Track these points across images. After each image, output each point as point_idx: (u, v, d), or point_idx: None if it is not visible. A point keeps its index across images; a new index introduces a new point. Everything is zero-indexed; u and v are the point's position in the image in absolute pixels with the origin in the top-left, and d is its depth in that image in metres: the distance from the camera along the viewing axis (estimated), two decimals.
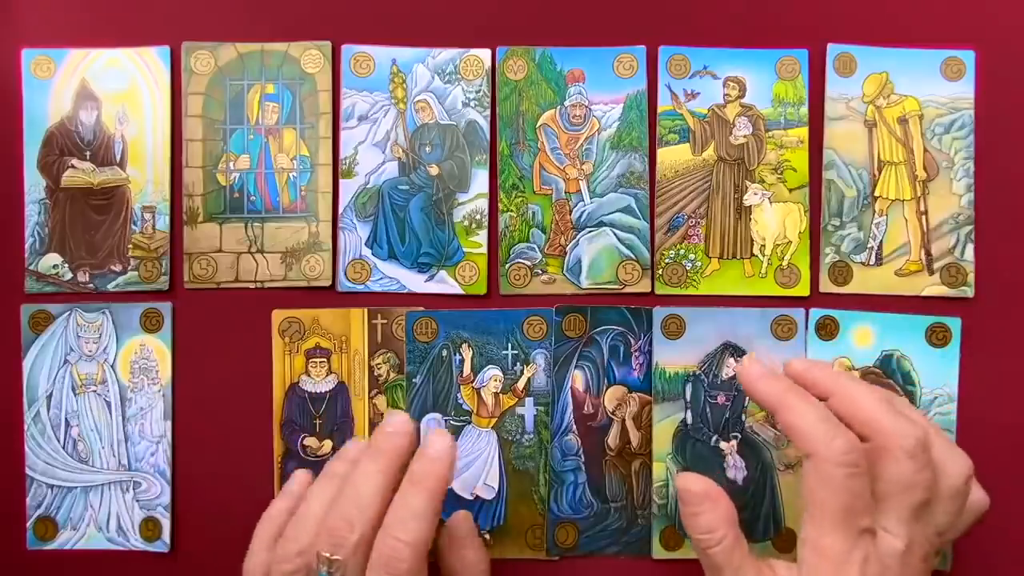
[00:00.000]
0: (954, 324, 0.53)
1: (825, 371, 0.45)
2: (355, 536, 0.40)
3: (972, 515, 0.45)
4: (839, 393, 0.44)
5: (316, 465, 0.54)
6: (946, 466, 0.43)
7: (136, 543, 0.54)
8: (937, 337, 0.53)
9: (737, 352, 0.53)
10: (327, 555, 0.40)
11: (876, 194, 0.54)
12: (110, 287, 0.54)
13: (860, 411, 0.43)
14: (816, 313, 0.53)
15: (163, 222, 0.54)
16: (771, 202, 0.54)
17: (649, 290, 0.54)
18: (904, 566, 0.41)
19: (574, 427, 0.53)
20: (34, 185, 0.54)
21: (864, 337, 0.53)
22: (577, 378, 0.54)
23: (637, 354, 0.54)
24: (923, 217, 0.53)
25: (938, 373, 0.53)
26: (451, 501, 0.53)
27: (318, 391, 0.54)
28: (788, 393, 0.44)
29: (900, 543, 0.41)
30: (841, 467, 0.41)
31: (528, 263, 0.54)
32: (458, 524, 0.47)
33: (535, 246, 0.54)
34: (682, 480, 0.45)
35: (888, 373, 0.53)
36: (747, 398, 0.53)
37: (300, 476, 0.49)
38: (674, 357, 0.53)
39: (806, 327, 0.53)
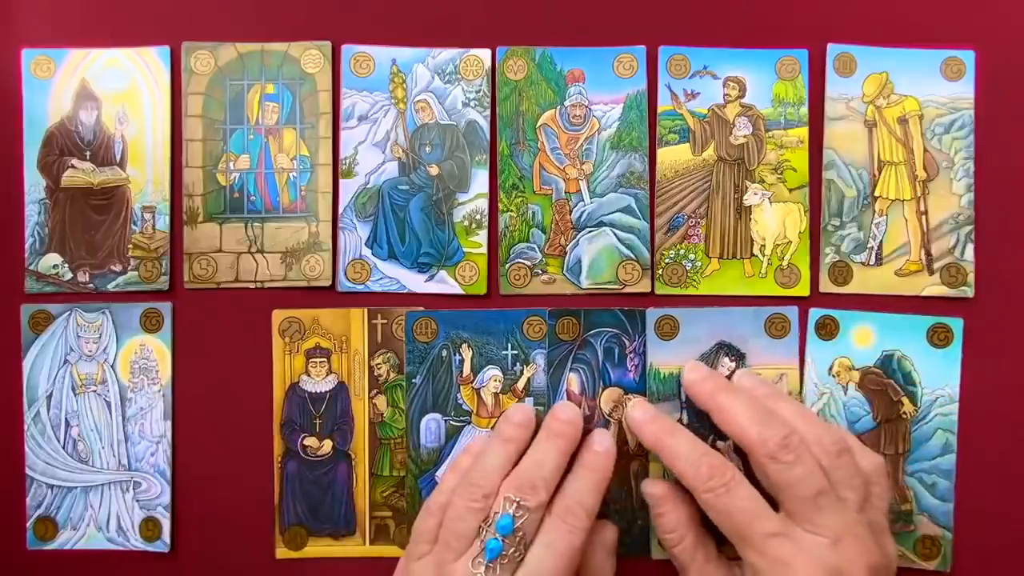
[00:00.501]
0: (956, 324, 0.53)
1: (705, 386, 0.49)
2: (540, 496, 0.46)
3: (876, 482, 0.46)
4: (715, 410, 0.48)
5: (316, 465, 0.54)
6: (822, 444, 0.45)
7: (136, 543, 0.54)
8: (938, 337, 0.53)
9: (732, 351, 0.53)
10: (516, 499, 0.45)
11: (876, 194, 0.54)
12: (110, 287, 0.54)
13: (731, 427, 0.47)
14: (816, 313, 0.53)
15: (163, 222, 0.54)
16: (771, 202, 0.54)
17: (649, 290, 0.54)
18: (845, 552, 0.43)
19: None
20: (34, 185, 0.54)
21: (865, 337, 0.53)
22: (572, 381, 0.54)
23: (632, 356, 0.54)
24: (923, 217, 0.53)
25: (939, 373, 0.53)
26: None
27: (318, 391, 0.54)
28: (662, 435, 0.48)
29: (824, 537, 0.43)
30: (708, 493, 0.45)
31: (528, 263, 0.54)
32: (606, 532, 0.50)
33: (535, 246, 0.54)
34: (646, 484, 0.50)
35: (889, 373, 0.53)
36: None
37: (465, 459, 0.50)
38: (668, 358, 0.53)
39: (803, 326, 0.53)
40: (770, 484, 0.45)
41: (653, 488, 0.49)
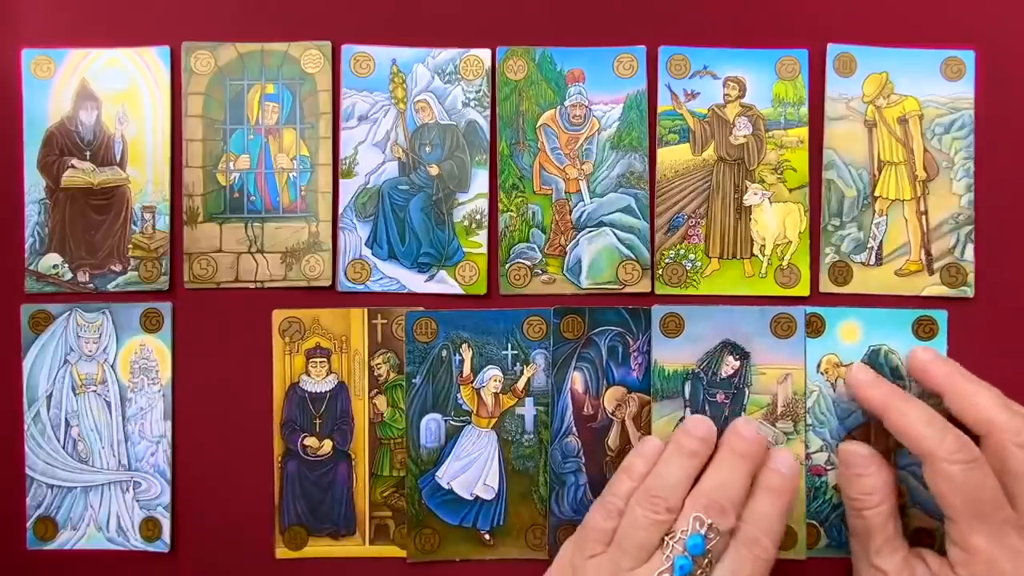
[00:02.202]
0: (940, 317, 0.53)
1: (941, 369, 0.49)
2: (730, 521, 0.45)
3: None
4: (951, 391, 0.47)
5: (316, 465, 0.54)
6: None
7: (136, 543, 0.54)
8: (924, 330, 0.53)
9: (736, 350, 0.53)
10: (708, 521, 0.45)
11: (876, 194, 0.54)
12: (110, 287, 0.54)
13: (973, 408, 0.46)
14: (804, 311, 0.53)
15: (163, 222, 0.54)
16: (771, 202, 0.54)
17: (649, 290, 0.54)
18: None
19: (574, 428, 0.53)
20: (34, 185, 0.54)
21: (851, 333, 0.53)
22: (576, 379, 0.54)
23: (636, 354, 0.54)
24: (923, 217, 0.54)
25: None
26: (450, 501, 0.54)
27: (318, 391, 0.54)
28: (892, 397, 0.48)
29: None
30: (955, 464, 0.44)
31: (528, 263, 0.54)
32: (852, 453, 0.49)
33: (535, 246, 0.54)
34: (848, 445, 0.49)
35: (876, 368, 0.53)
36: (747, 396, 0.53)
37: (640, 463, 0.49)
38: (673, 355, 0.53)
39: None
40: (1010, 473, 0.44)
41: (858, 448, 0.49)
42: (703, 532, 0.45)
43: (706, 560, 0.45)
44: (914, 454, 0.46)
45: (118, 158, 0.55)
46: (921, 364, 0.50)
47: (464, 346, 0.54)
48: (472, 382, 0.54)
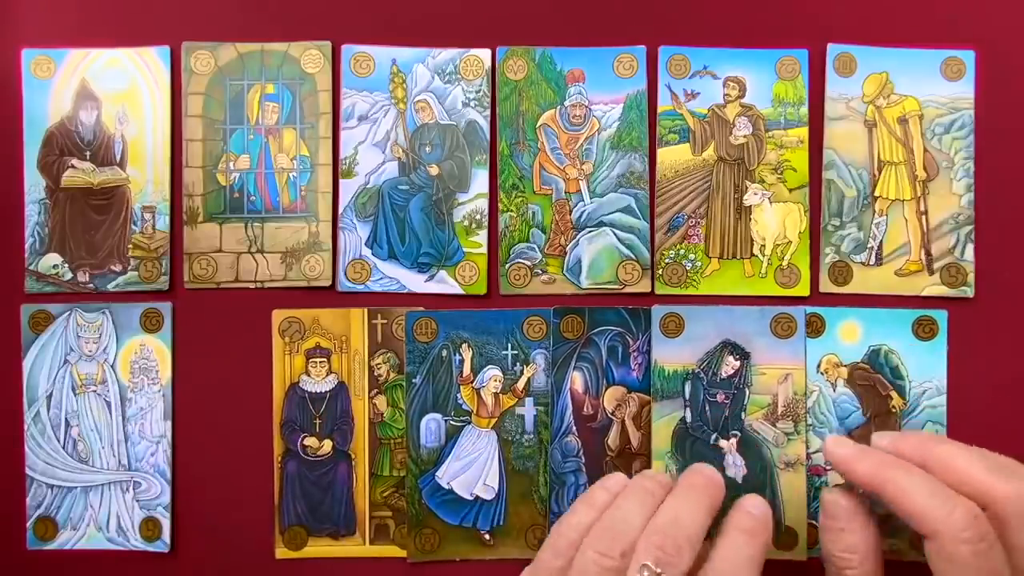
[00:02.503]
0: (940, 317, 0.53)
1: (911, 440, 0.43)
2: (684, 563, 0.40)
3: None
4: (931, 460, 0.42)
5: (316, 465, 0.54)
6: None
7: (136, 543, 0.54)
8: (924, 330, 0.53)
9: (736, 350, 0.53)
10: (657, 571, 0.40)
11: (876, 194, 0.54)
12: (110, 287, 0.54)
13: (962, 477, 0.40)
14: (804, 311, 0.53)
15: (163, 222, 0.54)
16: (771, 202, 0.54)
17: (649, 290, 0.54)
18: None
19: (574, 428, 0.53)
20: (34, 185, 0.54)
21: (851, 333, 0.53)
22: (576, 379, 0.54)
23: (635, 354, 0.54)
24: (923, 217, 0.54)
25: (926, 366, 0.53)
26: (450, 501, 0.54)
27: (318, 391, 0.54)
28: (884, 468, 0.41)
29: None
30: (966, 544, 0.38)
31: (528, 263, 0.54)
32: (835, 504, 0.44)
33: (535, 246, 0.54)
34: (832, 494, 0.44)
35: (876, 368, 0.53)
36: (747, 396, 0.53)
37: (600, 494, 0.46)
38: (673, 355, 0.53)
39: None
40: (1015, 548, 0.39)
41: (842, 499, 0.43)
42: None
43: None
44: (918, 531, 0.40)
45: (118, 158, 0.55)
46: (887, 446, 0.44)
47: (464, 346, 0.54)
48: (472, 382, 0.54)
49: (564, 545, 0.43)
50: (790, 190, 0.54)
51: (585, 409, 0.53)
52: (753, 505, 0.44)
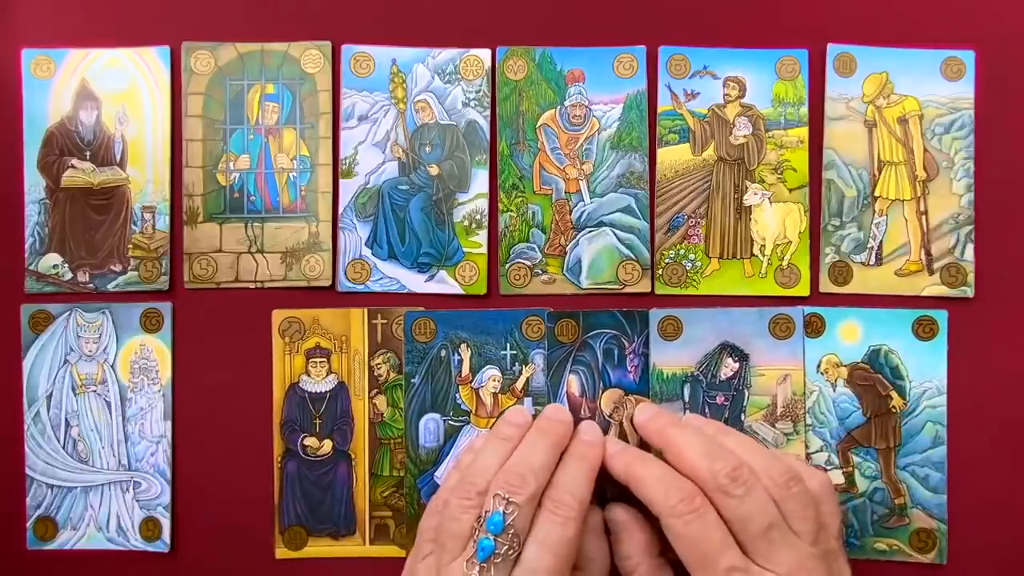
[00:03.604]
0: (940, 317, 0.53)
1: (656, 424, 0.49)
2: (530, 489, 0.44)
3: (825, 502, 0.46)
4: (666, 446, 0.47)
5: (316, 465, 0.54)
6: (771, 476, 0.45)
7: (136, 543, 0.54)
8: (924, 330, 0.53)
9: (735, 352, 0.53)
10: (505, 496, 0.44)
11: (876, 194, 0.54)
12: (110, 287, 0.54)
13: (682, 461, 0.45)
14: (804, 311, 0.53)
15: (163, 222, 0.54)
16: (771, 202, 0.54)
17: (649, 290, 0.54)
18: None
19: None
20: (34, 185, 0.54)
21: (851, 333, 0.53)
22: (572, 383, 0.54)
23: (631, 356, 0.54)
24: (923, 217, 0.53)
25: (926, 366, 0.53)
26: None
27: (318, 391, 0.54)
28: (633, 463, 0.47)
29: (777, 574, 0.42)
30: (675, 517, 0.43)
31: (528, 263, 0.54)
32: (592, 516, 0.48)
33: (535, 246, 0.54)
34: (610, 511, 0.48)
35: (876, 368, 0.53)
36: (746, 397, 0.53)
37: (467, 456, 0.50)
38: (671, 358, 0.53)
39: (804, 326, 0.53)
40: (726, 519, 0.44)
41: (615, 514, 0.48)
42: (502, 509, 0.43)
43: (510, 535, 0.43)
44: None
45: (118, 158, 0.55)
46: (638, 424, 0.50)
47: (463, 346, 0.54)
48: (471, 382, 0.54)
49: (439, 504, 0.47)
50: (790, 190, 0.54)
51: (582, 412, 0.53)
52: (586, 431, 0.49)
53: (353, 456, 0.54)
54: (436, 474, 0.54)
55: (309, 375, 0.54)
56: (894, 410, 0.53)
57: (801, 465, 0.47)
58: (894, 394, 0.53)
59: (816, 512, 0.45)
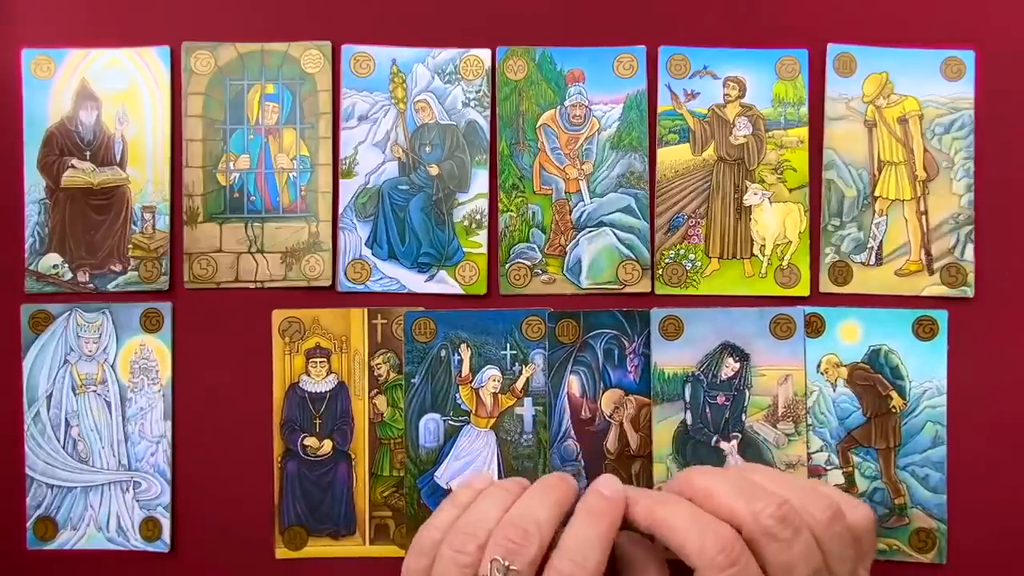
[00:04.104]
0: (940, 317, 0.53)
1: (679, 478, 0.44)
2: (533, 549, 0.40)
3: (865, 537, 0.42)
4: (692, 492, 0.42)
5: (316, 465, 0.54)
6: (812, 513, 0.40)
7: (136, 543, 0.54)
8: (924, 330, 0.53)
9: (736, 352, 0.53)
10: (505, 563, 0.39)
11: (876, 194, 0.54)
12: (110, 287, 0.54)
13: (714, 502, 0.41)
14: (803, 311, 0.53)
15: (163, 222, 0.54)
16: (771, 202, 0.54)
17: (649, 290, 0.54)
18: None
19: (572, 432, 0.53)
20: (34, 185, 0.54)
21: (851, 333, 0.53)
22: (573, 383, 0.54)
23: (632, 356, 0.54)
24: (923, 217, 0.53)
25: (926, 366, 0.53)
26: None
27: (318, 391, 0.54)
28: (656, 506, 0.41)
29: None
30: (716, 571, 0.38)
31: (528, 263, 0.54)
32: (635, 550, 0.44)
33: (535, 246, 0.54)
34: (620, 546, 0.43)
35: (876, 368, 0.53)
36: (747, 397, 0.53)
37: (465, 493, 0.46)
38: (672, 358, 0.53)
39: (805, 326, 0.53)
40: (770, 564, 0.39)
41: (626, 547, 0.43)
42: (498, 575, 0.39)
43: None
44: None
45: (118, 158, 0.55)
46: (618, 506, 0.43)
47: (463, 346, 0.54)
48: (471, 382, 0.54)
49: (428, 544, 0.43)
50: (790, 190, 0.54)
51: (583, 413, 0.53)
52: (605, 485, 0.43)
53: (353, 456, 0.54)
54: (436, 474, 0.54)
55: (309, 375, 0.54)
56: (894, 410, 0.53)
57: (842, 496, 0.43)
58: (894, 394, 0.53)
59: (856, 551, 0.41)
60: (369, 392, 0.54)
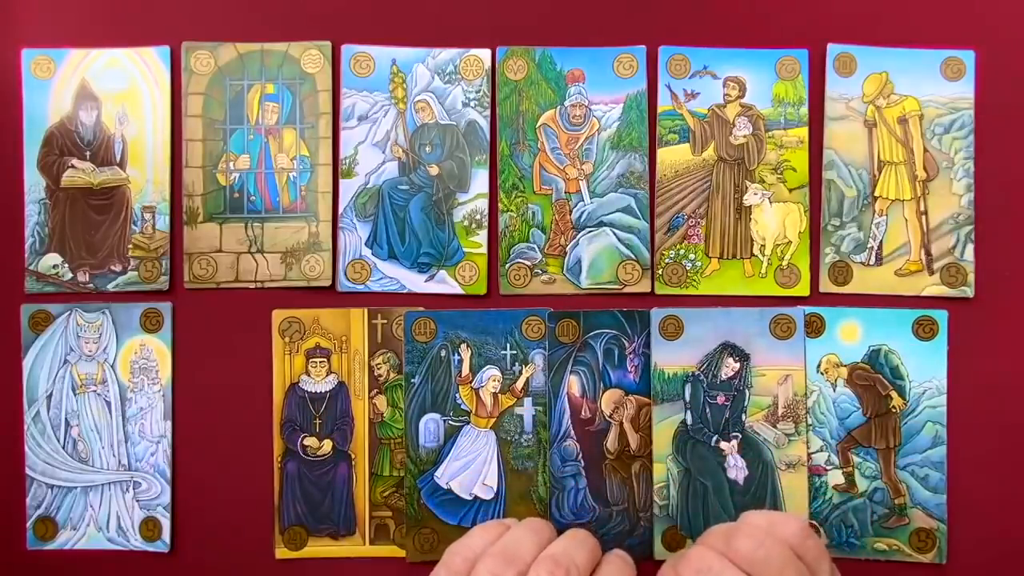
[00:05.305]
0: (940, 317, 0.53)
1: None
2: None
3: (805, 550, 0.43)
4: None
5: (316, 465, 0.54)
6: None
7: (136, 543, 0.54)
8: (924, 330, 0.53)
9: (736, 352, 0.53)
10: None
11: (876, 194, 0.54)
12: (110, 287, 0.54)
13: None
14: (803, 311, 0.53)
15: (163, 222, 0.54)
16: (771, 202, 0.54)
17: (649, 290, 0.54)
18: None
19: (572, 432, 0.53)
20: (34, 185, 0.54)
21: (851, 333, 0.53)
22: (573, 383, 0.54)
23: (632, 356, 0.54)
24: (923, 217, 0.53)
25: (926, 366, 0.53)
26: (449, 501, 0.53)
27: (318, 391, 0.54)
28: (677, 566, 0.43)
29: None
30: None
31: (528, 263, 0.54)
32: None
33: (535, 246, 0.54)
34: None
35: (876, 368, 0.53)
36: (747, 397, 0.53)
37: (494, 524, 0.48)
38: (672, 358, 0.53)
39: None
40: None
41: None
42: None
43: None
44: None
45: (118, 158, 0.55)
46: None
47: (463, 346, 0.54)
48: (471, 382, 0.54)
49: (460, 565, 0.44)
50: (790, 190, 0.54)
51: (583, 413, 0.53)
52: (621, 552, 0.47)
53: (353, 456, 0.54)
54: (436, 474, 0.54)
55: (309, 375, 0.54)
56: (894, 410, 0.53)
57: (774, 517, 0.44)
58: (894, 394, 0.53)
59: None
60: (369, 392, 0.54)
